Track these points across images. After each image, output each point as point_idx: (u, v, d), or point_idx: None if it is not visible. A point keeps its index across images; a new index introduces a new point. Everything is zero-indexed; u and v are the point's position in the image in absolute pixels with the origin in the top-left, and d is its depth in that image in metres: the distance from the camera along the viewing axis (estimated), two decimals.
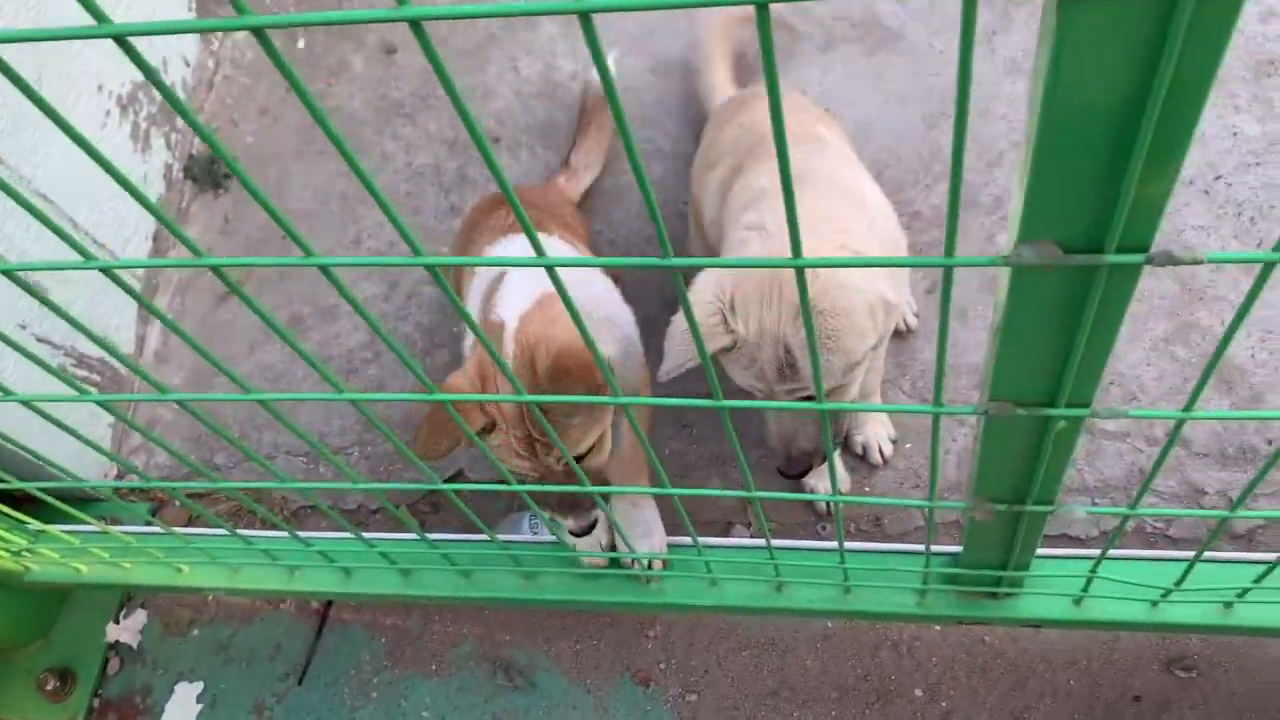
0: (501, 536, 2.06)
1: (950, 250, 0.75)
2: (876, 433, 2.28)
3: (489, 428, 1.70)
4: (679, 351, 1.66)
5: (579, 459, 1.73)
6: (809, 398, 1.68)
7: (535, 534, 2.29)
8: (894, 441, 2.30)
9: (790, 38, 2.78)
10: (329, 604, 2.43)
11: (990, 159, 2.53)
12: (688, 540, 1.92)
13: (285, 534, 1.78)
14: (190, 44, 3.03)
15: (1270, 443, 2.14)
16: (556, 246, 2.11)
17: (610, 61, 2.71)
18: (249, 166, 2.92)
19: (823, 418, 1.12)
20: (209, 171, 2.91)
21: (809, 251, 1.55)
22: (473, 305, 1.92)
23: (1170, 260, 0.76)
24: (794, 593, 1.83)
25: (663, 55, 2.86)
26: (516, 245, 2.06)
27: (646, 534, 1.91)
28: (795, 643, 2.20)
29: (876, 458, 2.28)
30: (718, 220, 1.97)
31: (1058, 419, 1.15)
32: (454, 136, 2.86)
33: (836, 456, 2.27)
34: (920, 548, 1.82)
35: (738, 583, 1.85)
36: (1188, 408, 1.03)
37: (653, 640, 2.26)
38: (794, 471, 1.77)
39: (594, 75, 2.67)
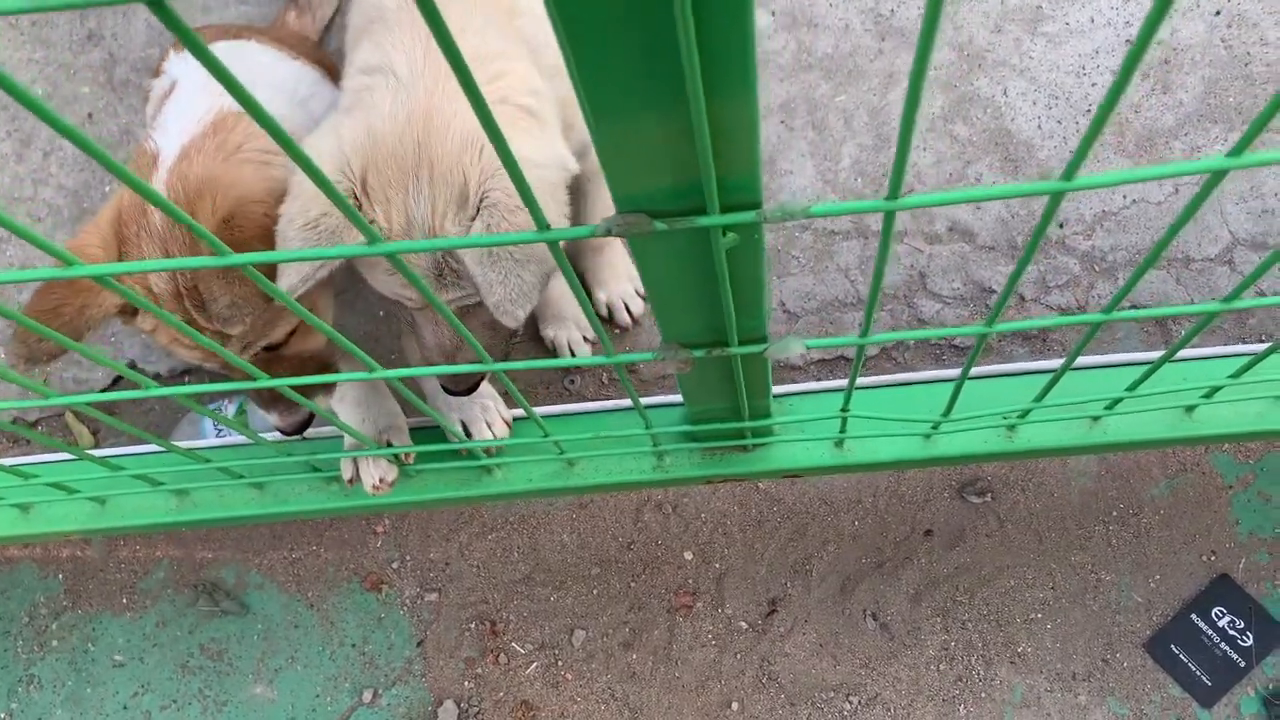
0: (182, 443, 1.64)
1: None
2: (621, 289, 1.90)
3: (130, 309, 1.24)
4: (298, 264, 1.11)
5: (277, 346, 1.30)
6: (476, 307, 1.23)
7: (220, 435, 1.87)
8: (644, 296, 1.93)
9: None
10: None
11: None
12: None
13: None
14: None
15: (1062, 225, 1.87)
16: (253, 52, 1.54)
17: None
18: None
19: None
20: None
21: (456, 115, 1.09)
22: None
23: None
24: (508, 474, 1.48)
25: None
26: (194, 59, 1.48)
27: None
28: (548, 517, 1.88)
29: (624, 318, 1.91)
30: None
31: (718, 230, 0.79)
32: None
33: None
34: (668, 399, 1.49)
35: (439, 471, 1.49)
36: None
37: (382, 537, 1.90)
38: (462, 387, 1.30)
39: None
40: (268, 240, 1.11)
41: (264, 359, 1.27)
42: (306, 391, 1.24)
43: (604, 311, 1.92)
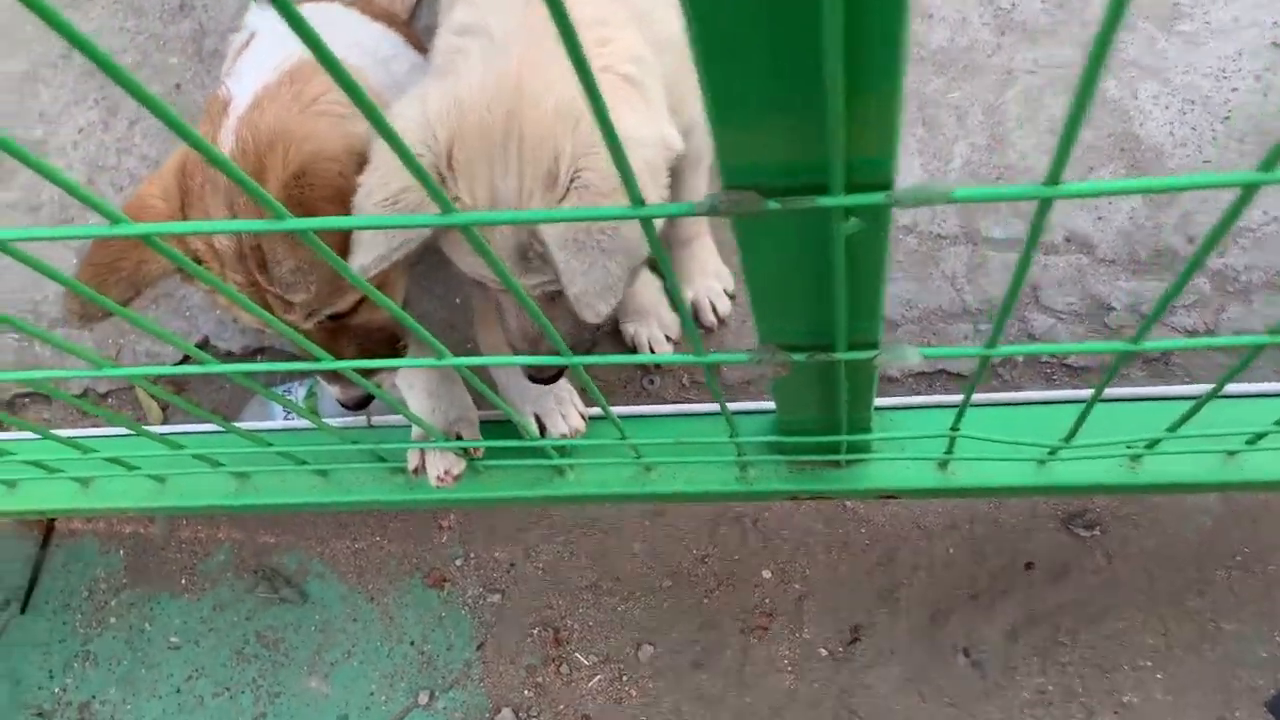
0: (245, 424, 1.59)
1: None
2: (708, 287, 1.78)
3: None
4: (376, 237, 1.01)
5: (343, 315, 1.23)
6: (561, 295, 1.10)
7: (288, 418, 1.81)
8: (732, 296, 1.82)
9: None
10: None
11: None
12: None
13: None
14: None
15: (1191, 240, 1.72)
16: (336, 13, 1.47)
17: None
18: None
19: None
20: None
21: (552, 83, 0.99)
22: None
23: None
24: (580, 475, 1.39)
25: None
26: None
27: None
28: (619, 523, 1.79)
29: (709, 318, 1.80)
30: None
31: (840, 212, 0.68)
32: None
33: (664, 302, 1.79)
34: (755, 406, 1.39)
35: (508, 469, 1.41)
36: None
37: (447, 532, 1.82)
38: (547, 376, 1.22)
39: None
40: (341, 203, 1.04)
41: (329, 328, 1.20)
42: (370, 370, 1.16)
43: (688, 310, 1.82)
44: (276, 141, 1.09)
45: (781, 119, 0.59)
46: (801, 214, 0.68)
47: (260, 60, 1.21)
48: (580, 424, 1.38)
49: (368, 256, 1.01)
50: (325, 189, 1.04)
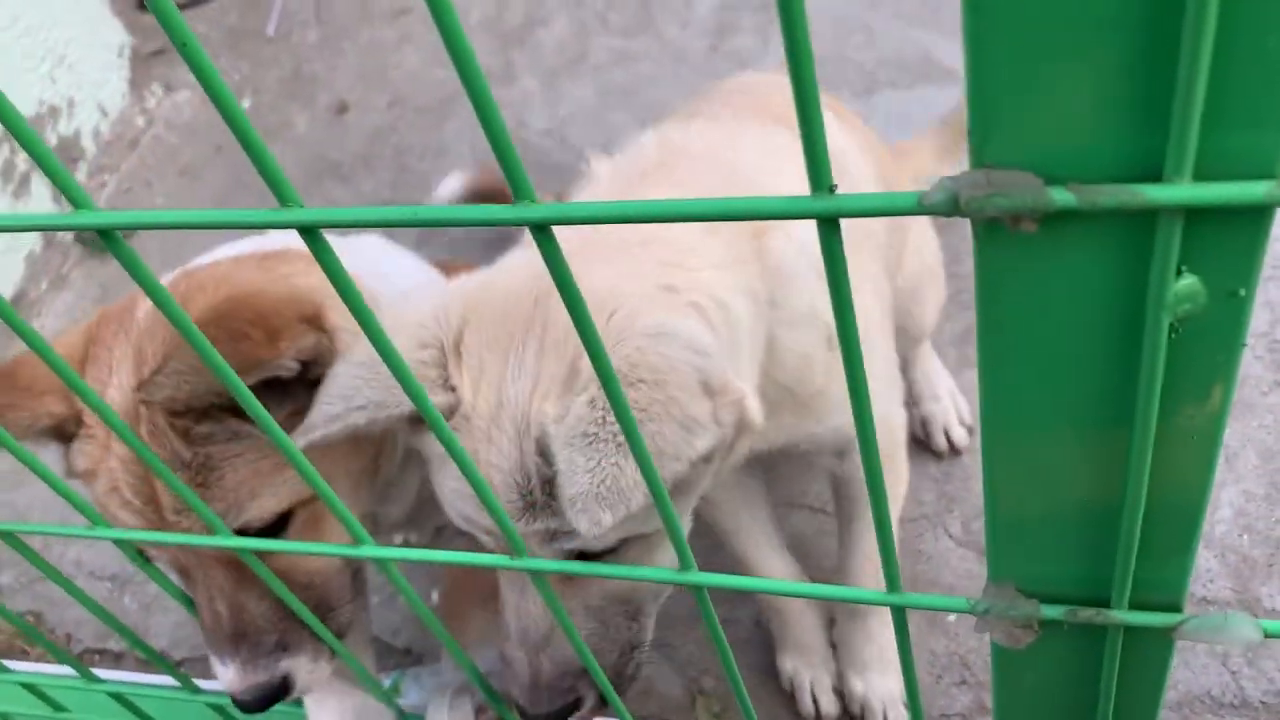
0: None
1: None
2: (888, 692, 1.40)
3: (66, 428, 0.94)
4: (339, 396, 0.82)
5: (262, 531, 0.93)
6: (581, 555, 0.83)
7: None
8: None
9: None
10: None
11: None
12: None
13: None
14: (112, 92, 2.58)
15: None
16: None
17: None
18: (148, 231, 2.39)
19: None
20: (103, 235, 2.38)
21: (609, 290, 0.80)
22: None
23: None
24: None
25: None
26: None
27: None
28: None
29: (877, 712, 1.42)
30: None
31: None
32: (389, 198, 2.29)
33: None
34: None
35: None
36: None
37: None
38: (542, 710, 0.88)
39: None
40: (258, 349, 0.82)
41: (235, 562, 0.90)
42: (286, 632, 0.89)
43: (855, 710, 1.42)
44: (209, 283, 0.92)
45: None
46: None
47: (260, 242, 1.06)
48: None
49: (317, 417, 0.81)
50: (243, 321, 0.83)
